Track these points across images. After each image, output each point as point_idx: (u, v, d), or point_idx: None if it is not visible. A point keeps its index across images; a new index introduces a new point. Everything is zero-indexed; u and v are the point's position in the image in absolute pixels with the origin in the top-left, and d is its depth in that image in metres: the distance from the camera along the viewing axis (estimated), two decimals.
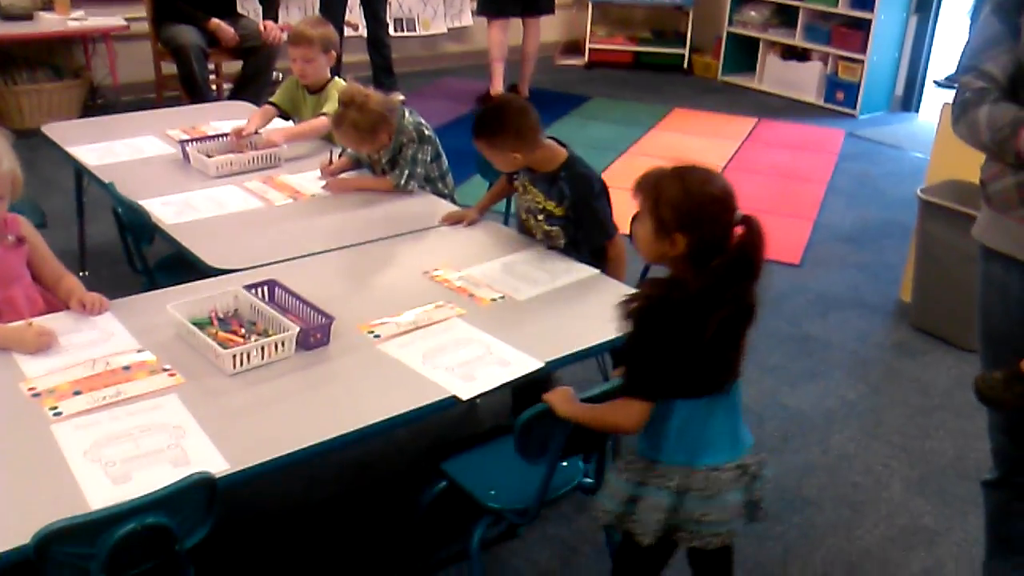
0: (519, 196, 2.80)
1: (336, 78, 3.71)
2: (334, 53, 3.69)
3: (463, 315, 2.33)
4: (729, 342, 1.76)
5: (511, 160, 2.66)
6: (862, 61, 6.67)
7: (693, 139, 6.10)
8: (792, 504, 2.75)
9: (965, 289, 3.62)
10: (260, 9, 5.65)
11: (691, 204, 1.72)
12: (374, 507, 2.69)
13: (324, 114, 3.56)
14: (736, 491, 1.83)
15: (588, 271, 2.60)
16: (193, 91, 5.32)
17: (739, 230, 1.72)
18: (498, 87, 6.55)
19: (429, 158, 3.15)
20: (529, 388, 2.15)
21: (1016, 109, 1.83)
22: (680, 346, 1.72)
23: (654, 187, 1.77)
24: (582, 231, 2.68)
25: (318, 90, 3.65)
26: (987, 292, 2.05)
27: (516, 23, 6.50)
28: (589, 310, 2.38)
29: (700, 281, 1.70)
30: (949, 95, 4.65)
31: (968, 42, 1.97)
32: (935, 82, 7.23)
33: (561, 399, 1.89)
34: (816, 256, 4.45)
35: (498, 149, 2.65)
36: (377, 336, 2.20)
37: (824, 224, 4.82)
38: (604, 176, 2.71)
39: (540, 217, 2.70)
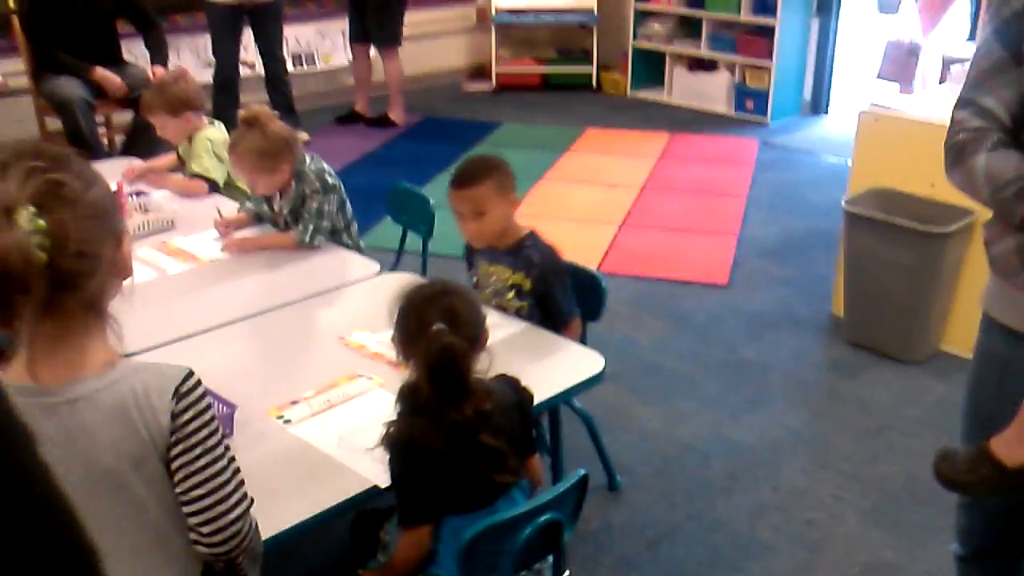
0: (482, 286, 2.59)
1: (209, 127, 3.51)
2: (190, 113, 3.45)
3: (383, 385, 2.13)
4: None
5: (503, 215, 2.51)
6: (769, 68, 6.66)
7: (608, 159, 5.98)
8: (747, 550, 2.60)
9: (898, 301, 3.57)
10: (148, 55, 5.36)
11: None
12: None
13: (198, 175, 3.39)
14: None
15: (518, 325, 2.42)
16: (81, 147, 5.00)
17: None
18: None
19: (335, 208, 2.94)
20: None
21: (1019, 160, 1.55)
22: None
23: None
24: (544, 309, 2.52)
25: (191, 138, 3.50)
26: (983, 367, 1.81)
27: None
28: (519, 371, 2.20)
29: None
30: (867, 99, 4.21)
31: (969, 69, 1.66)
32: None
33: None
34: (743, 274, 4.34)
35: (502, 198, 2.50)
36: (288, 421, 1.99)
37: (747, 239, 4.72)
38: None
39: (511, 295, 2.51)
